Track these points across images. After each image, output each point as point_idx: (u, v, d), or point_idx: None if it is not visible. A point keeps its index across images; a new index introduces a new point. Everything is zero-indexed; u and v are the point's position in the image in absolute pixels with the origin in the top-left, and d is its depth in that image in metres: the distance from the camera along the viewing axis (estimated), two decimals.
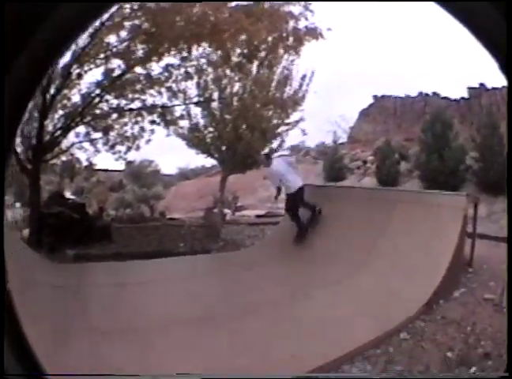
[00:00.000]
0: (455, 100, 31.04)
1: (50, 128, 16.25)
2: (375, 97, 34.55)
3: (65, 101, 16.58)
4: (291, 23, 16.04)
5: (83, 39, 14.73)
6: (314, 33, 15.69)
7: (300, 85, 17.71)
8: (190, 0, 14.83)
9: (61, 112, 16.67)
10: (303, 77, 17.70)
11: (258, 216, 21.26)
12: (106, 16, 14.19)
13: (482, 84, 30.73)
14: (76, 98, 16.68)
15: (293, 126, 18.15)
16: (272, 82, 17.53)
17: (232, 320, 7.52)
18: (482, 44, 2.00)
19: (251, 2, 15.88)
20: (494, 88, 30.36)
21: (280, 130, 18.19)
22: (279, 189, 13.57)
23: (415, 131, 24.19)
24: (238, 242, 15.45)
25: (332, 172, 25.93)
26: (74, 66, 15.28)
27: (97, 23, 14.47)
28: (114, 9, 14.22)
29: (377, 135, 28.25)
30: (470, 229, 9.79)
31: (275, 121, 17.88)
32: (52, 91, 15.34)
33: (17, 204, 22.35)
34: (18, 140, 15.77)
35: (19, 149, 15.92)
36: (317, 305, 8.11)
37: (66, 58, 14.86)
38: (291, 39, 16.09)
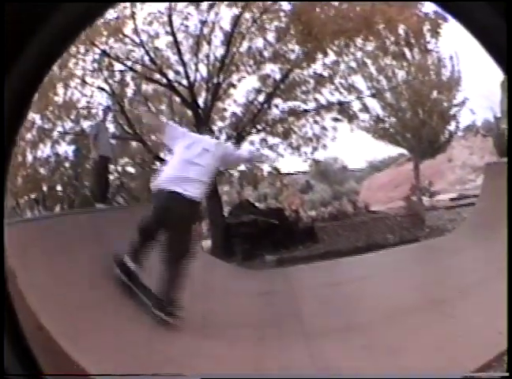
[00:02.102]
0: None
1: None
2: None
3: (222, 112, 17.58)
4: (419, 8, 15.95)
5: (212, 50, 15.97)
6: (442, 16, 15.36)
7: (453, 66, 17.39)
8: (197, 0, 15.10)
9: (220, 124, 17.64)
10: (451, 58, 17.36)
11: (452, 199, 20.98)
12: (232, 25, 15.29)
13: None
14: (233, 108, 17.59)
15: (461, 107, 17.88)
16: (430, 66, 17.38)
17: (450, 304, 7.51)
18: (482, 44, 2.07)
19: None
20: None
21: (452, 112, 17.96)
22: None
23: None
24: (441, 228, 15.33)
25: (502, 147, 25.01)
26: (220, 78, 16.03)
27: (227, 32, 15.59)
28: (233, 13, 15.36)
29: None
30: None
31: (445, 104, 17.68)
32: (201, 104, 16.15)
33: None
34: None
35: None
36: None
37: (203, 70, 16.17)
38: (427, 23, 15.87)
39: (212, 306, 8.09)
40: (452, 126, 18.45)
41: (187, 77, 16.23)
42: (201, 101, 16.54)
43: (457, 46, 20.34)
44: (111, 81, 16.80)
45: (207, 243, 17.38)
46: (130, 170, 19.53)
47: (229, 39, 15.80)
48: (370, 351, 6.14)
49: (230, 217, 17.41)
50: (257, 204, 21.42)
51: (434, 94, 17.60)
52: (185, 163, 7.52)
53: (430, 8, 15.55)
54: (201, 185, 7.50)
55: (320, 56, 16.50)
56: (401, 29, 15.91)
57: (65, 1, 2.02)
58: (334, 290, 9.45)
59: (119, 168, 18.79)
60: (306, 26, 15.08)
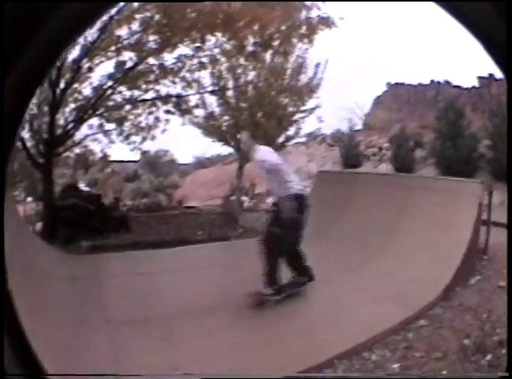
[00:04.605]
0: (466, 89, 30.75)
1: (61, 122, 16.34)
2: (389, 84, 34.38)
3: (76, 95, 16.65)
4: (304, 12, 16.14)
5: (92, 34, 14.79)
6: (326, 22, 15.75)
7: (315, 73, 17.78)
8: (189, 0, 14.83)
9: (73, 106, 16.74)
10: (318, 65, 17.77)
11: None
12: (115, 10, 14.25)
13: (491, 75, 30.56)
14: (87, 91, 16.78)
15: (309, 113, 18.25)
16: (286, 70, 17.60)
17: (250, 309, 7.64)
18: (481, 44, 2.01)
19: None
20: (502, 79, 30.28)
21: (296, 118, 18.26)
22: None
23: (429, 118, 24.00)
24: (256, 229, 14.94)
25: (348, 159, 25.87)
26: (84, 60, 15.36)
27: (106, 17, 14.51)
28: (122, 3, 14.41)
29: (392, 122, 28.06)
30: (485, 217, 9.72)
31: (291, 109, 17.99)
32: (62, 85, 15.42)
33: (29, 199, 22.46)
34: (27, 135, 15.92)
35: (29, 144, 16.02)
36: (338, 291, 8.16)
37: (76, 52, 15.07)
38: (304, 27, 16.12)
39: (27, 288, 7.46)
40: (291, 131, 18.70)
41: (60, 60, 15.20)
42: (62, 82, 15.52)
43: (335, 55, 20.77)
44: None
45: (39, 225, 16.76)
46: None
47: (103, 26, 14.89)
48: (168, 344, 6.33)
49: (57, 200, 16.63)
50: (81, 188, 20.60)
51: (281, 98, 17.76)
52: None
53: (316, 12, 15.89)
54: None
55: (171, 49, 16.12)
56: (267, 31, 15.86)
57: (66, 1, 1.94)
58: (140, 280, 9.44)
59: None
60: (168, 17, 14.73)
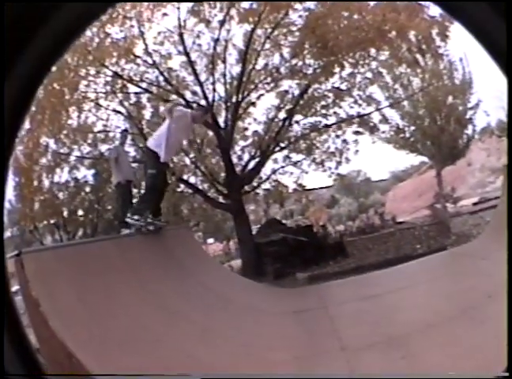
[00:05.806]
0: None
1: (235, 160, 16.89)
2: None
3: (242, 132, 17.45)
4: (425, 10, 15.56)
5: (228, 69, 15.94)
6: (446, 18, 15.16)
7: (463, 68, 17.33)
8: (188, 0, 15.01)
9: (243, 143, 17.53)
10: (461, 60, 17.30)
11: (475, 204, 20.82)
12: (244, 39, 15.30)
13: None
14: (254, 126, 17.48)
15: (476, 109, 17.70)
16: (443, 70, 17.27)
17: (476, 311, 7.16)
18: (481, 44, 2.05)
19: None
20: None
21: (468, 116, 17.76)
22: None
23: None
24: (466, 233, 15.08)
25: None
26: (239, 97, 15.92)
27: (239, 49, 15.73)
28: (245, 30, 15.34)
29: None
30: None
31: (461, 108, 17.54)
32: (222, 125, 16.01)
33: (210, 240, 23.17)
34: (193, 179, 17.16)
35: (201, 187, 17.04)
36: None
37: (220, 91, 16.04)
38: (435, 26, 15.57)
39: (249, 328, 7.94)
40: (469, 130, 18.24)
41: (205, 98, 16.10)
42: (221, 121, 16.39)
43: (464, 47, 20.27)
44: (126, 104, 16.72)
45: (236, 263, 17.50)
46: None
47: (244, 57, 15.67)
48: (410, 362, 6.07)
49: (258, 236, 17.20)
50: (284, 222, 21.32)
51: (450, 99, 17.48)
52: None
53: (436, 11, 15.25)
54: None
55: (337, 69, 16.29)
56: (412, 36, 15.68)
57: (66, 1, 2.02)
58: (369, 304, 9.26)
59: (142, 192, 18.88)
60: (321, 40, 14.92)
